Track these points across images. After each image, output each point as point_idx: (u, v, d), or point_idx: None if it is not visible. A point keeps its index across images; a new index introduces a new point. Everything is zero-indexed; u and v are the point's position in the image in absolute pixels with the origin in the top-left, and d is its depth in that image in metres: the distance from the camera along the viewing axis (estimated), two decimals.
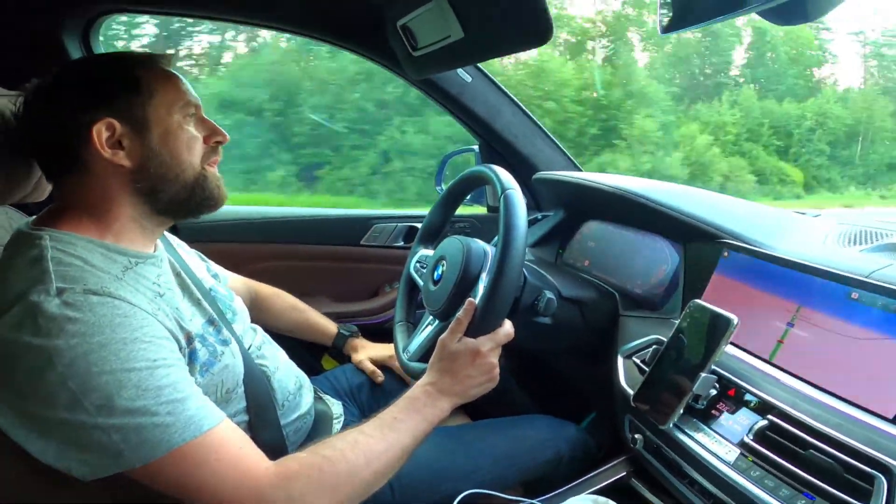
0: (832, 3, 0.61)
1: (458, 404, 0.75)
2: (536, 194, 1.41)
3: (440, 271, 0.91)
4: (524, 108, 1.35)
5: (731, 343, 0.77)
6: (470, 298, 0.78)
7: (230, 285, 0.98)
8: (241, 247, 1.38)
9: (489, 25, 0.82)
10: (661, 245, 1.01)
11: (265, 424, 0.78)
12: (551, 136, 1.40)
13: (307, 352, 1.17)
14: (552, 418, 1.00)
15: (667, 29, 0.70)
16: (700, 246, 0.91)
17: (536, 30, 0.75)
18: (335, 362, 1.19)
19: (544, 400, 1.25)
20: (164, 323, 0.62)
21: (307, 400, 0.89)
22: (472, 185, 1.01)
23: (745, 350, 0.76)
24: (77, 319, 0.54)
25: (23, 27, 1.04)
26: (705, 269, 0.88)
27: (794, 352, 0.69)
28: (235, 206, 1.51)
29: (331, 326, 1.14)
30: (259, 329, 0.91)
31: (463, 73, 1.26)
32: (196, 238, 1.25)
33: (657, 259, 1.01)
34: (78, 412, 0.53)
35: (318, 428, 0.92)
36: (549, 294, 0.89)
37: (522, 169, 1.37)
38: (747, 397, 0.69)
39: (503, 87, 1.32)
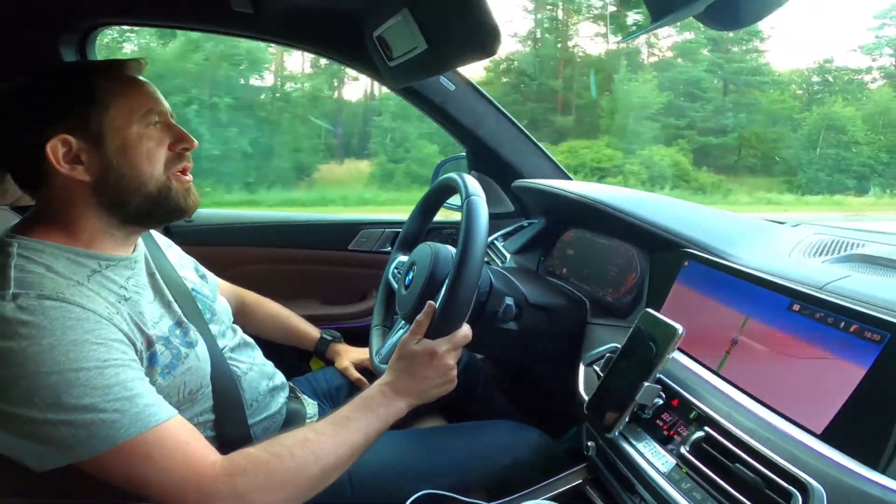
0: (767, 9, 0.61)
1: (414, 405, 0.77)
2: (523, 203, 1.42)
3: (411, 276, 0.94)
4: (509, 115, 1.36)
5: (685, 353, 0.77)
6: (430, 301, 0.81)
7: (220, 288, 1.02)
8: (231, 250, 1.42)
9: (446, 37, 0.84)
10: (632, 254, 1.01)
11: (232, 423, 0.80)
12: (538, 143, 1.40)
13: (295, 353, 1.21)
14: (516, 423, 1.00)
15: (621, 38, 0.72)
16: (664, 255, 0.91)
17: (485, 42, 0.76)
18: (323, 364, 1.23)
19: (530, 411, 1.26)
20: (120, 326, 0.65)
21: (279, 401, 0.92)
22: (444, 194, 1.04)
23: (696, 360, 0.75)
24: (29, 323, 0.58)
25: (20, 43, 1.09)
26: (668, 278, 0.87)
27: (739, 363, 0.69)
28: (226, 210, 1.56)
29: (313, 332, 1.17)
30: (238, 330, 0.93)
31: (446, 82, 1.28)
32: (187, 241, 1.31)
33: (628, 268, 1.01)
34: (29, 408, 0.56)
35: (289, 427, 0.94)
36: (508, 300, 0.91)
37: (508, 176, 1.38)
38: (690, 408, 0.69)
39: (487, 95, 1.33)
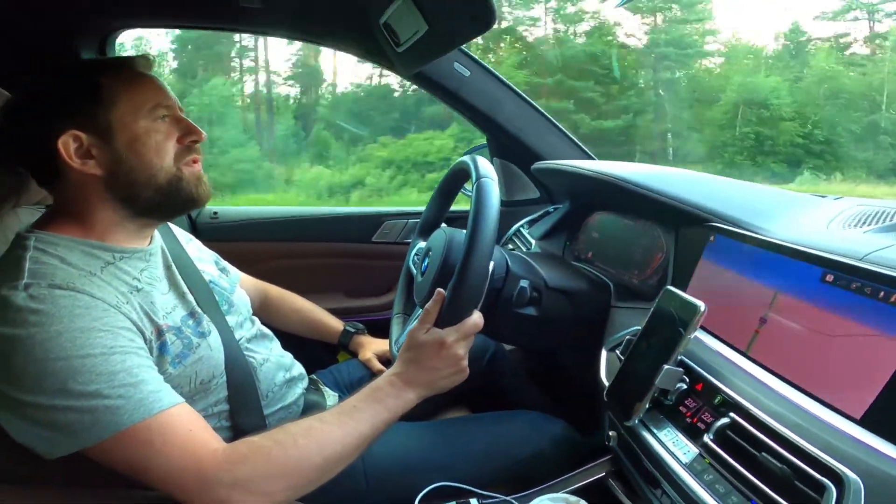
0: None
1: (425, 396, 0.74)
2: (548, 188, 1.37)
3: (426, 263, 0.92)
4: (529, 99, 1.32)
5: (711, 333, 0.72)
6: (438, 289, 0.77)
7: (243, 283, 1.03)
8: (255, 245, 1.44)
9: (443, 15, 0.82)
10: (657, 233, 0.94)
11: (247, 413, 0.80)
12: (560, 126, 1.35)
13: (323, 346, 1.21)
14: (539, 415, 0.96)
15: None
16: (690, 231, 0.84)
17: (480, 14, 0.73)
18: (349, 356, 1.23)
19: (560, 402, 1.21)
20: (129, 315, 0.66)
21: (296, 391, 0.92)
22: (459, 178, 1.01)
23: (723, 341, 0.69)
24: (38, 311, 0.59)
25: (42, 47, 1.13)
26: (694, 255, 0.81)
27: (769, 343, 0.62)
28: (250, 207, 1.60)
29: (337, 325, 1.17)
30: (257, 322, 0.94)
31: (461, 68, 1.25)
32: (212, 237, 1.35)
33: (653, 248, 0.95)
34: (37, 394, 0.58)
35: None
36: (523, 283, 0.87)
37: (531, 161, 1.33)
38: (715, 393, 0.63)
39: (504, 80, 1.29)
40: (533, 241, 1.27)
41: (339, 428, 0.67)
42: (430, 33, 0.88)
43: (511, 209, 1.44)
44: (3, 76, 0.91)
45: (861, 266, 0.54)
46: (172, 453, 0.60)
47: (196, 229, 1.39)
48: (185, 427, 0.63)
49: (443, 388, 0.75)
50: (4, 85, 0.83)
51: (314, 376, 1.06)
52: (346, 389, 1.08)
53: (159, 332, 0.70)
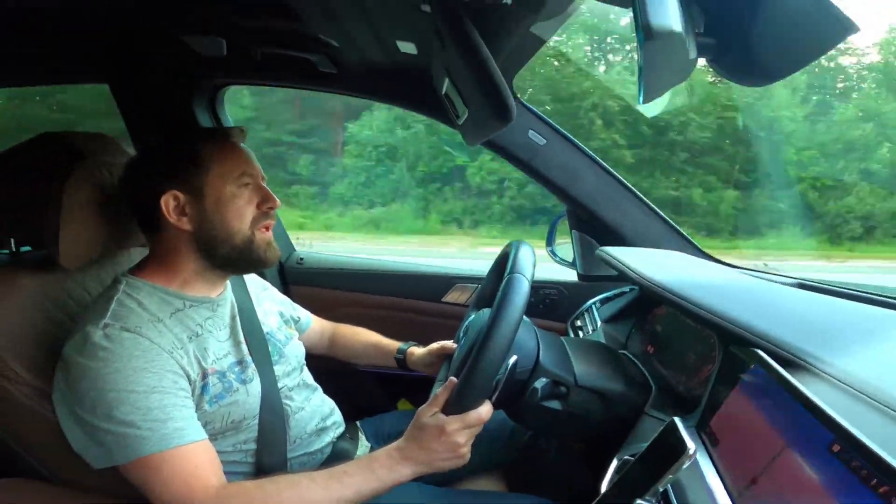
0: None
1: (421, 473, 0.77)
2: None
3: (462, 340, 0.95)
4: (612, 171, 1.27)
5: (718, 471, 0.65)
6: (451, 377, 0.80)
7: (312, 327, 1.17)
8: (332, 292, 1.57)
9: (472, 109, 0.83)
10: (713, 342, 0.87)
11: (271, 454, 0.87)
12: (650, 204, 1.28)
13: (380, 394, 1.28)
14: (537, 499, 0.92)
15: None
16: (738, 349, 0.76)
17: (498, 113, 0.74)
18: (411, 406, 1.29)
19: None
20: (179, 360, 0.76)
21: (324, 439, 0.98)
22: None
23: (723, 482, 0.62)
24: (107, 349, 0.71)
25: (163, 106, 1.38)
26: (733, 378, 0.73)
27: (761, 499, 0.55)
28: (331, 255, 1.73)
29: (394, 344, 1.18)
30: (304, 373, 1.02)
31: (536, 136, 1.23)
32: (297, 281, 1.53)
33: (707, 357, 0.87)
34: (92, 415, 0.70)
35: (332, 464, 0.95)
36: (538, 383, 0.85)
37: (609, 237, 1.29)
38: None
39: (585, 149, 1.25)
40: (599, 323, 1.23)
41: (323, 489, 0.72)
42: (469, 117, 0.92)
43: (588, 284, 1.41)
44: (135, 136, 1.15)
45: (866, 443, 0.46)
46: (174, 483, 0.71)
47: (284, 273, 1.59)
48: (193, 463, 0.72)
49: (441, 468, 0.77)
50: (136, 141, 1.02)
51: (358, 423, 1.11)
52: (383, 440, 1.12)
53: (204, 375, 0.79)
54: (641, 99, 0.51)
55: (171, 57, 1.24)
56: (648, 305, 1.13)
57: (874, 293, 0.97)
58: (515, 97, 1.23)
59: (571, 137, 1.26)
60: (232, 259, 0.84)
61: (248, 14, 1.09)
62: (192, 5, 1.02)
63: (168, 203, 0.79)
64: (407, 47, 1.01)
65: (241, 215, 0.82)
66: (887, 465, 0.43)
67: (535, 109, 1.24)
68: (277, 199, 0.86)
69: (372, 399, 1.23)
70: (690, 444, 0.58)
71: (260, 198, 0.84)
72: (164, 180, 0.80)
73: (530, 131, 1.24)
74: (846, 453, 0.48)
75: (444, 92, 1.02)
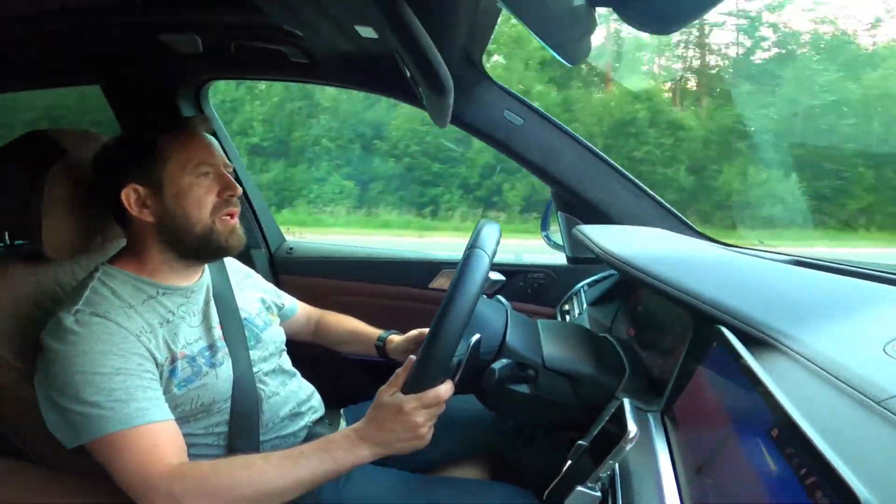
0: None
1: (380, 454, 0.75)
2: None
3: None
4: (595, 150, 1.22)
5: (673, 456, 0.61)
6: (411, 356, 0.79)
7: (298, 313, 1.17)
8: (321, 280, 1.57)
9: (421, 88, 0.82)
10: (688, 321, 0.82)
11: (243, 437, 0.88)
12: (635, 181, 1.22)
13: (370, 380, 1.25)
14: (514, 489, 0.90)
15: None
16: (706, 328, 0.72)
17: (435, 88, 0.73)
18: None
19: None
20: (147, 343, 0.77)
21: (298, 424, 0.97)
22: None
23: (675, 471, 0.59)
24: (77, 332, 0.73)
25: (148, 101, 1.40)
26: (698, 359, 0.69)
27: (705, 488, 0.52)
28: (321, 245, 1.73)
29: (375, 332, 1.16)
30: (282, 358, 1.01)
31: (512, 116, 1.20)
32: (286, 270, 1.53)
33: (683, 337, 0.82)
34: (62, 397, 0.72)
35: None
36: (498, 364, 0.82)
37: (595, 216, 1.24)
38: None
39: (566, 128, 1.21)
40: (585, 306, 1.19)
41: (276, 469, 0.72)
42: (424, 96, 0.89)
43: (576, 267, 1.37)
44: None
45: (803, 430, 0.42)
46: (132, 460, 0.71)
47: (274, 263, 1.60)
48: (152, 441, 0.73)
49: (401, 450, 0.75)
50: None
51: (341, 411, 1.11)
52: None
53: (173, 359, 0.81)
54: (558, 55, 0.50)
55: (154, 55, 1.27)
56: (633, 287, 1.09)
57: (872, 268, 0.90)
58: (487, 76, 1.19)
59: (551, 117, 1.22)
60: (196, 248, 0.85)
61: (214, 8, 1.09)
62: (165, 5, 1.04)
63: (129, 197, 0.81)
64: (367, 31, 0.99)
65: (200, 205, 0.83)
66: (817, 453, 0.39)
67: (510, 90, 1.20)
68: (239, 187, 0.87)
69: (357, 387, 1.23)
70: (631, 428, 0.56)
71: (221, 186, 0.85)
72: (124, 174, 0.81)
73: (506, 111, 1.20)
74: (783, 439, 0.44)
75: (409, 75, 0.99)
